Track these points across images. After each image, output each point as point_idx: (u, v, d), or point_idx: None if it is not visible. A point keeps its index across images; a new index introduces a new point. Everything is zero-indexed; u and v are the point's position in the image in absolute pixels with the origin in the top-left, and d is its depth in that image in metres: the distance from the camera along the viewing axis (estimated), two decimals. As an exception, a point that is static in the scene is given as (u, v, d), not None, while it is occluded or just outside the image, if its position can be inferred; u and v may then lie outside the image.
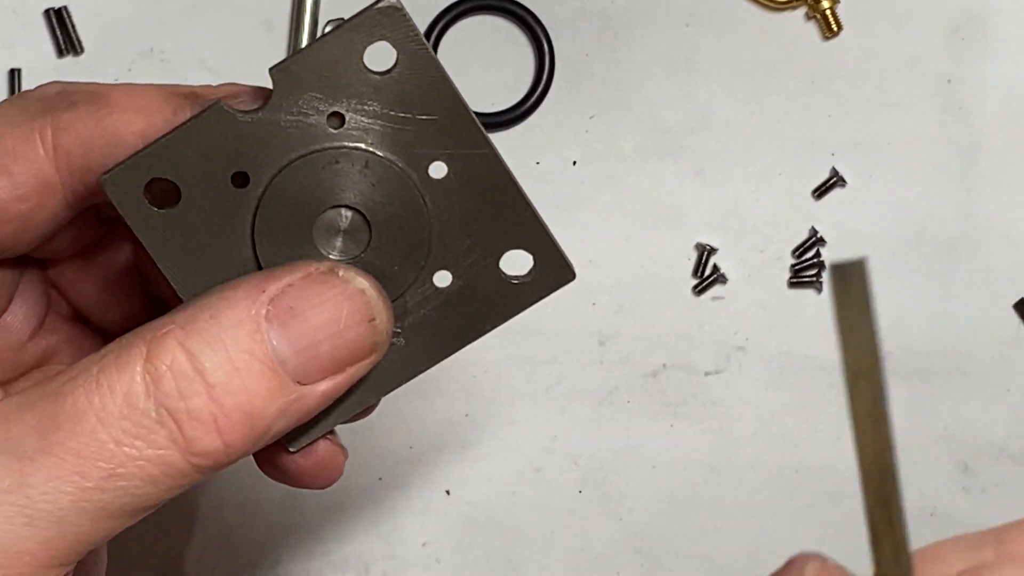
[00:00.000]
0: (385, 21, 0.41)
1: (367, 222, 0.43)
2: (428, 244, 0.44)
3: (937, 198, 0.69)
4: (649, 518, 0.68)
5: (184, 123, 0.42)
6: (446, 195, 0.44)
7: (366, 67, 0.41)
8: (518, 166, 0.69)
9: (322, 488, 0.48)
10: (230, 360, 0.40)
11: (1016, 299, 0.69)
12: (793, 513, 0.68)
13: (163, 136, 0.42)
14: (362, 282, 0.42)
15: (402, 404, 0.68)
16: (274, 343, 0.41)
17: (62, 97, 0.44)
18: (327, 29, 0.42)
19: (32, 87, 0.47)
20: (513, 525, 0.68)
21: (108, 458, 0.39)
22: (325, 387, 0.42)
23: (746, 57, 0.69)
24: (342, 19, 0.42)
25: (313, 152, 0.42)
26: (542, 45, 0.69)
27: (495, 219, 0.44)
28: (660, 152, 0.69)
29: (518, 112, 0.68)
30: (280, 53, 0.69)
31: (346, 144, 0.42)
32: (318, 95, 0.42)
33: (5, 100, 0.44)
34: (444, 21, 0.69)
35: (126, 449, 0.40)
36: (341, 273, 0.42)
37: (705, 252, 0.68)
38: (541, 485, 0.68)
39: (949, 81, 0.69)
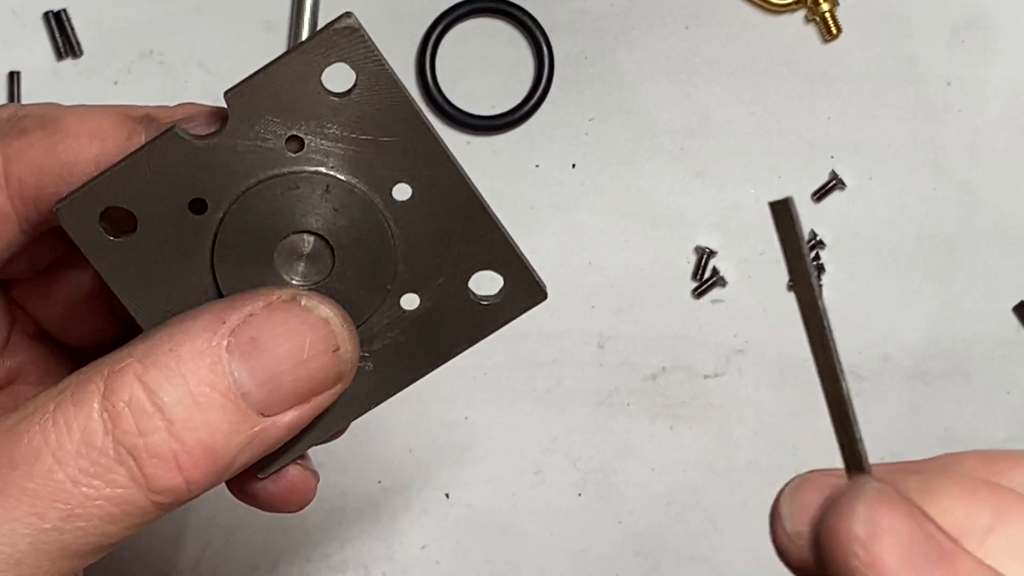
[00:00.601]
0: (342, 42, 0.39)
1: (330, 247, 0.42)
2: (394, 267, 0.43)
3: (937, 199, 0.69)
4: (649, 520, 0.68)
5: (138, 149, 0.40)
6: (411, 217, 0.42)
7: (325, 89, 0.40)
8: (518, 169, 0.69)
9: (293, 512, 0.47)
10: (190, 394, 0.39)
11: (1016, 300, 0.69)
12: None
13: (117, 163, 0.40)
14: (325, 310, 0.41)
15: (402, 407, 0.67)
16: (235, 375, 0.39)
17: (12, 123, 0.42)
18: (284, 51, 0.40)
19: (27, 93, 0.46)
20: (513, 527, 0.68)
21: (65, 499, 0.38)
22: (290, 417, 0.41)
23: (746, 59, 0.69)
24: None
25: (271, 177, 0.41)
26: (541, 47, 0.69)
27: (462, 240, 0.43)
28: (660, 154, 0.69)
29: (518, 115, 0.68)
30: (280, 52, 0.69)
31: (306, 168, 0.41)
32: (275, 119, 0.40)
33: None
34: (443, 24, 0.69)
35: (84, 489, 0.38)
36: (304, 302, 0.41)
37: (705, 255, 0.68)
38: (541, 487, 0.68)
39: (948, 83, 0.69)
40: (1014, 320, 0.69)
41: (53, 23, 0.69)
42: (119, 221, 0.41)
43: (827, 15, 0.69)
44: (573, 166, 0.69)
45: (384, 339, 0.44)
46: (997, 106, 0.69)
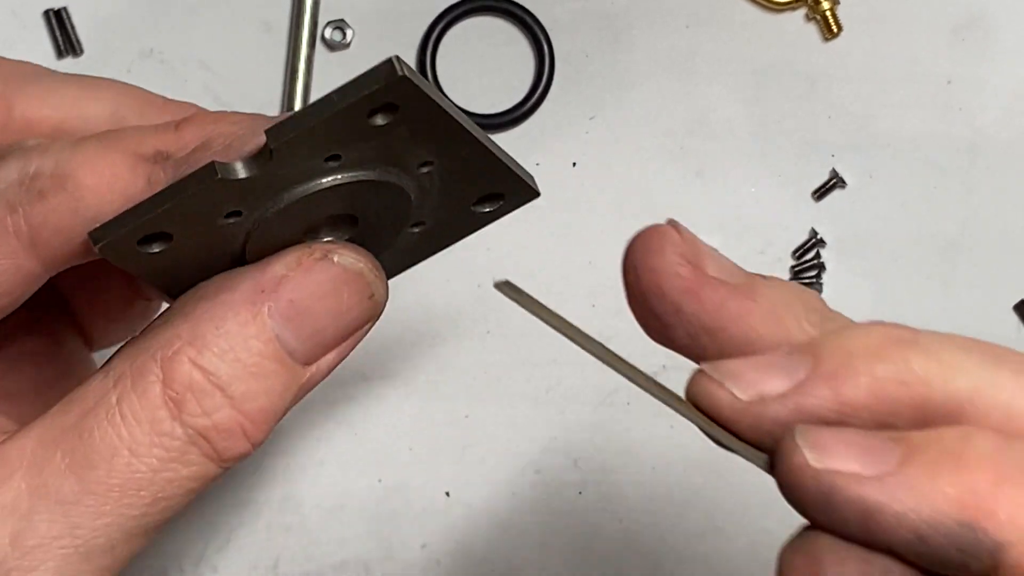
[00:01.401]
0: (395, 91, 0.40)
1: (353, 217, 0.44)
2: (408, 217, 0.45)
3: (937, 199, 0.69)
4: (649, 519, 0.68)
5: (178, 192, 0.40)
6: (429, 179, 0.44)
7: (368, 123, 0.41)
8: (518, 167, 0.69)
9: None
10: (244, 368, 0.41)
11: (1016, 300, 0.69)
12: (793, 514, 0.68)
13: (157, 202, 0.41)
14: (357, 263, 0.43)
15: (402, 404, 0.68)
16: (281, 338, 0.41)
17: (26, 187, 0.42)
18: (329, 91, 0.40)
19: None
20: (513, 527, 0.68)
21: (149, 487, 0.41)
22: (332, 357, 0.43)
23: (746, 58, 0.69)
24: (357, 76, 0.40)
25: (310, 193, 0.42)
26: (542, 46, 0.69)
27: (470, 178, 0.44)
28: (660, 153, 0.69)
29: (518, 113, 0.68)
30: (280, 53, 0.69)
31: (340, 178, 0.42)
32: (318, 150, 0.41)
33: None
34: (444, 22, 0.69)
35: (164, 475, 0.41)
36: (336, 259, 0.42)
37: (705, 253, 0.68)
38: (541, 487, 0.68)
39: (949, 82, 0.69)
40: (1014, 320, 0.69)
41: (53, 21, 0.69)
42: (153, 237, 0.42)
43: (828, 14, 0.69)
44: (573, 165, 0.69)
45: (389, 250, 0.46)
46: (997, 106, 0.69)
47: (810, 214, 0.69)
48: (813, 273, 0.68)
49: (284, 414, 0.43)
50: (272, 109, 0.69)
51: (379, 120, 0.40)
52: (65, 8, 0.69)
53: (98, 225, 0.41)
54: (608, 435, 0.68)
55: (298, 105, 0.68)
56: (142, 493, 0.41)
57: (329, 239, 0.44)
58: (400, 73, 0.39)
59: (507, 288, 0.37)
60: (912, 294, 0.69)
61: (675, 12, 0.69)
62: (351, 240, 0.44)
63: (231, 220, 0.42)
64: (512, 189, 0.46)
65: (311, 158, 0.41)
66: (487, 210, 0.46)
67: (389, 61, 0.39)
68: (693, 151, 0.69)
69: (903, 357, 0.35)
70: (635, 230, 0.43)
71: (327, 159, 0.41)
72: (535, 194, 0.47)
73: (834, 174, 0.69)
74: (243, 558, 0.67)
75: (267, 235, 0.43)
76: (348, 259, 0.43)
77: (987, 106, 0.69)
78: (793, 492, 0.35)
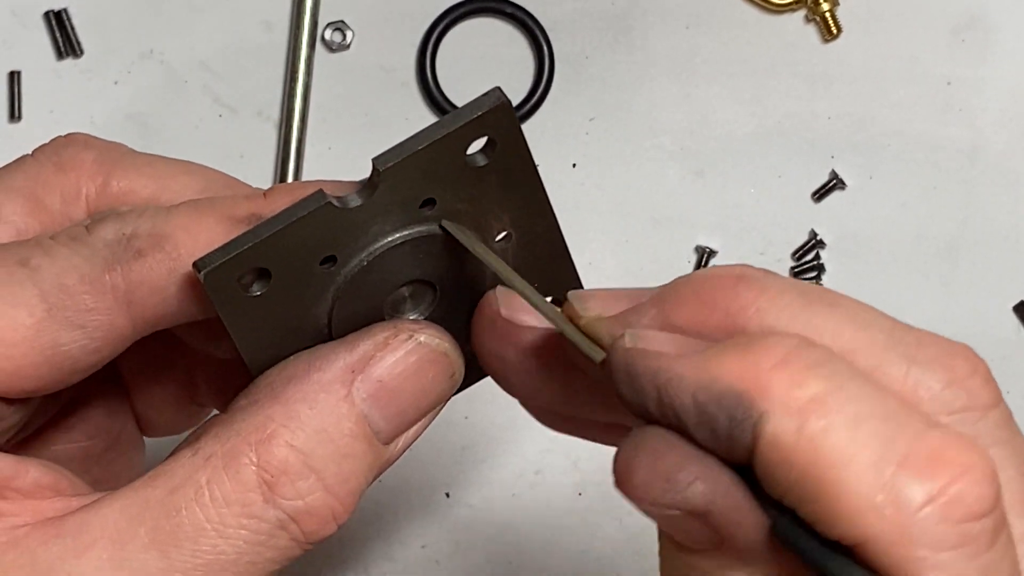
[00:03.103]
0: (495, 119, 0.41)
1: (432, 286, 0.44)
2: (483, 293, 0.45)
3: (937, 199, 0.69)
4: (649, 520, 0.68)
5: (290, 219, 0.41)
6: (503, 254, 0.44)
7: (467, 160, 0.42)
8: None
9: None
10: (337, 449, 0.41)
11: (1016, 301, 0.69)
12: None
13: (263, 229, 0.41)
14: (442, 344, 0.43)
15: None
16: (369, 418, 0.42)
17: (124, 245, 0.42)
18: (435, 122, 0.41)
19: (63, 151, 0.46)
20: (513, 527, 0.68)
21: (232, 568, 0.40)
22: (412, 433, 0.43)
23: (746, 59, 0.69)
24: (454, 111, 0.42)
25: (404, 239, 0.42)
26: (542, 47, 0.69)
27: (542, 273, 0.45)
28: (660, 154, 0.69)
29: (518, 114, 0.68)
30: (280, 53, 0.69)
31: (434, 228, 0.42)
32: (419, 185, 0.41)
33: (61, 244, 0.42)
34: (444, 23, 0.69)
35: (248, 557, 0.41)
36: (422, 339, 0.42)
37: (705, 254, 0.68)
38: (541, 487, 0.68)
39: (949, 83, 0.69)
40: (1014, 320, 0.69)
41: (53, 22, 0.69)
42: (253, 275, 0.42)
43: (827, 15, 0.69)
44: (573, 166, 0.69)
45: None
46: (997, 106, 0.70)
47: (810, 215, 0.69)
48: (813, 274, 0.68)
49: (363, 493, 0.43)
50: (272, 109, 0.69)
51: (479, 159, 0.41)
52: (65, 9, 0.69)
53: (202, 256, 0.41)
54: (608, 435, 0.68)
55: (298, 105, 0.68)
56: (226, 573, 0.40)
57: (412, 316, 0.44)
58: (503, 99, 0.40)
59: (451, 226, 0.41)
60: (912, 295, 0.69)
61: (675, 13, 0.69)
62: (431, 318, 0.44)
63: (326, 267, 0.42)
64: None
65: (410, 199, 0.41)
66: None
67: (495, 88, 0.40)
68: (693, 151, 0.69)
69: (731, 291, 0.38)
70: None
71: (423, 204, 0.42)
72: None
73: (834, 175, 0.69)
74: (243, 558, 0.67)
75: (353, 301, 0.43)
76: (434, 339, 0.43)
77: (987, 106, 0.69)
78: (612, 373, 0.37)
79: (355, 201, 0.41)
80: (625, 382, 0.37)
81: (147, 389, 0.50)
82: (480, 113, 0.41)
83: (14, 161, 0.46)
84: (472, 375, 0.46)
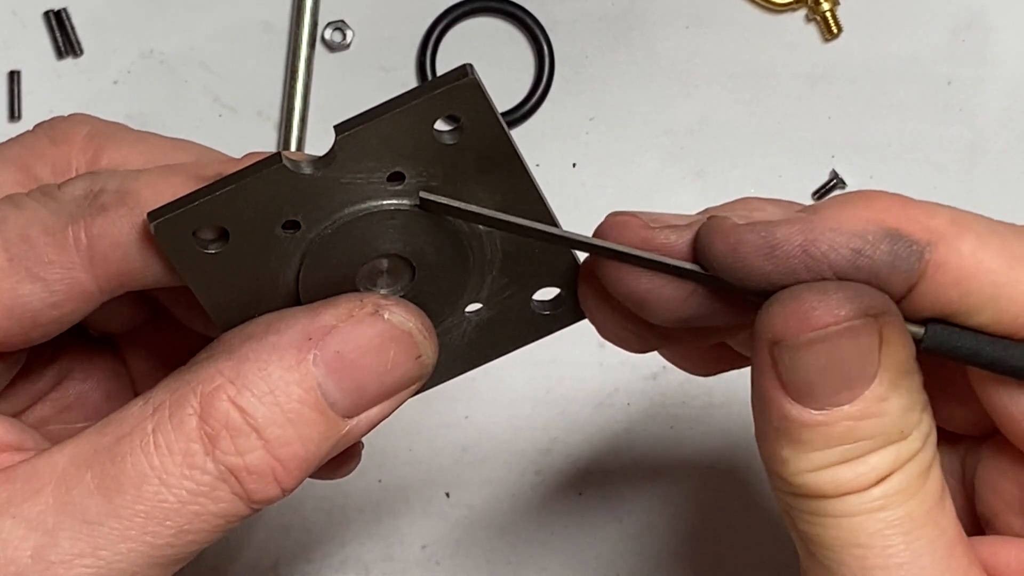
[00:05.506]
0: (462, 95, 0.40)
1: (411, 265, 0.43)
2: (467, 283, 0.44)
3: (937, 199, 0.69)
4: (649, 520, 0.68)
5: (242, 176, 0.41)
6: (491, 240, 0.44)
7: (435, 136, 0.41)
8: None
9: (340, 477, 0.49)
10: (282, 412, 0.41)
11: (1016, 300, 0.69)
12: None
13: (216, 186, 0.41)
14: (408, 322, 0.42)
15: (402, 406, 0.67)
16: (323, 387, 0.41)
17: (90, 200, 0.43)
18: (399, 93, 0.41)
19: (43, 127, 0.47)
20: (513, 527, 0.68)
21: (175, 518, 0.41)
22: (373, 414, 0.43)
23: (746, 59, 0.69)
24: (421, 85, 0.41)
25: (371, 210, 0.42)
26: (542, 47, 0.69)
27: (535, 261, 0.44)
28: (660, 154, 0.69)
29: (518, 114, 0.68)
30: (280, 53, 0.69)
31: (404, 202, 0.42)
32: (383, 158, 0.41)
33: (32, 198, 0.43)
34: (444, 23, 0.69)
35: (192, 507, 0.41)
36: (387, 315, 0.42)
37: (705, 254, 0.68)
38: (541, 487, 0.68)
39: (949, 82, 0.69)
40: (1014, 320, 0.69)
41: (53, 22, 0.69)
42: (211, 232, 0.42)
43: (828, 14, 0.69)
44: (573, 165, 0.69)
45: (444, 339, 0.45)
46: (997, 106, 0.70)
47: (810, 214, 0.69)
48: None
49: (320, 464, 0.42)
50: (272, 109, 0.69)
51: (446, 138, 0.41)
52: (65, 9, 0.69)
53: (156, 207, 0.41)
54: (608, 435, 0.68)
55: (298, 105, 0.68)
56: (168, 523, 0.41)
57: (384, 291, 0.44)
58: (470, 75, 0.40)
59: (431, 201, 0.41)
60: (912, 294, 0.69)
61: (675, 13, 0.69)
62: (406, 297, 0.44)
63: (288, 232, 0.42)
64: (567, 284, 0.46)
65: (375, 171, 0.41)
66: (546, 312, 0.46)
67: (465, 64, 0.40)
68: (693, 151, 0.69)
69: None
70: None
71: (390, 177, 0.41)
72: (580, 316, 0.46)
73: (834, 174, 0.69)
74: (243, 558, 0.67)
75: (322, 265, 0.43)
76: (398, 316, 0.42)
77: (987, 106, 0.69)
78: (735, 256, 0.40)
79: (310, 167, 0.41)
80: (764, 255, 0.39)
81: (149, 372, 0.51)
82: (439, 90, 0.40)
83: (16, 136, 0.47)
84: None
